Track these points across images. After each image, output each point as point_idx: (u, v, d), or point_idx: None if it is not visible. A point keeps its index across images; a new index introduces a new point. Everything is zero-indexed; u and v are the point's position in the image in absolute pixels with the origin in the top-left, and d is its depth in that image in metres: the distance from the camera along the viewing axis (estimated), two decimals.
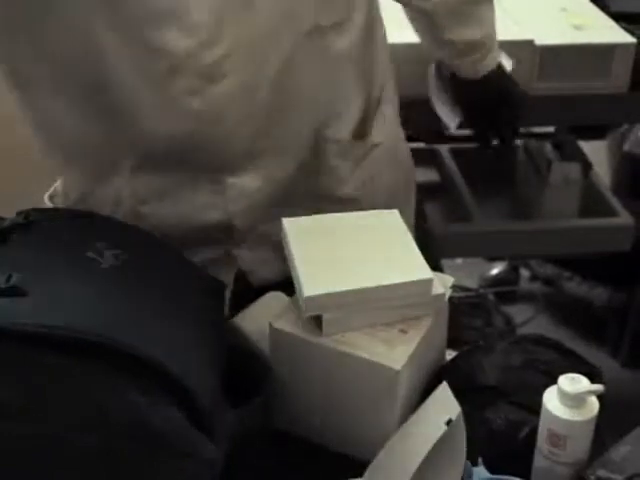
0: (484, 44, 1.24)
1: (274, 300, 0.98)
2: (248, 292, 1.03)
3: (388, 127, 1.13)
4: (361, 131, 1.09)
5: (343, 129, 1.06)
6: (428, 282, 0.89)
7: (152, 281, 0.83)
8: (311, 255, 0.90)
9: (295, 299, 0.90)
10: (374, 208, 1.00)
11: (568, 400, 0.80)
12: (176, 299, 0.84)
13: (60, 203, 1.07)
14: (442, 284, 0.92)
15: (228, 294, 1.01)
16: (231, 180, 0.99)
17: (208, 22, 0.87)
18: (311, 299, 0.85)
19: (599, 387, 0.81)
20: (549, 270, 2.42)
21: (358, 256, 0.90)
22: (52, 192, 1.08)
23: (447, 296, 0.93)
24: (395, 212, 0.99)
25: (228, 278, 1.05)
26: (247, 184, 1.00)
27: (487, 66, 1.28)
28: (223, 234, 1.03)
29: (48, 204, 1.08)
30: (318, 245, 0.92)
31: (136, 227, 0.94)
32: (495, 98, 1.35)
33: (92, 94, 0.91)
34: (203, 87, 0.90)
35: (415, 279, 0.88)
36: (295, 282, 0.89)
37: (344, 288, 0.86)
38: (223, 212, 1.00)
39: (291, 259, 0.91)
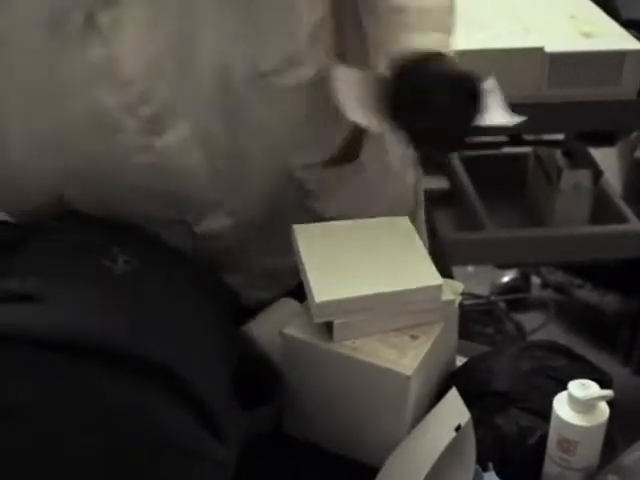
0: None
1: (286, 306, 0.98)
2: None
3: (377, 146, 1.07)
4: (345, 154, 1.04)
5: (315, 155, 1.01)
6: (438, 288, 0.89)
7: (164, 286, 0.84)
8: (321, 261, 0.91)
9: (306, 305, 0.90)
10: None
11: (578, 406, 0.80)
12: (187, 304, 0.84)
13: None
14: (452, 291, 0.92)
15: None
16: (197, 228, 0.97)
17: (145, 75, 0.83)
18: (322, 305, 0.85)
19: (609, 393, 0.81)
20: (560, 277, 2.41)
21: (368, 262, 0.91)
22: None
23: (457, 302, 0.93)
24: (405, 218, 0.99)
25: None
26: (215, 228, 0.97)
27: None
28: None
29: None
30: (328, 251, 0.93)
31: (148, 233, 0.94)
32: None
33: None
34: (149, 141, 0.87)
35: (425, 285, 0.89)
36: (306, 288, 0.90)
37: (354, 294, 0.87)
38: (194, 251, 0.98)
39: (301, 265, 0.91)
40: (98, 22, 0.79)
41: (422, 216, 1.22)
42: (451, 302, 0.91)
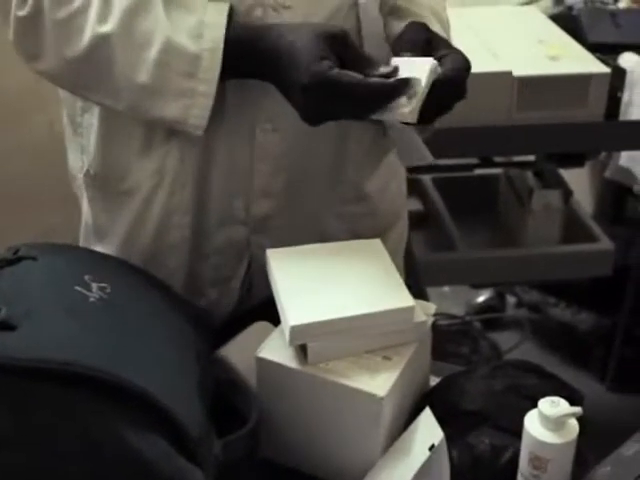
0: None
1: (261, 330, 0.99)
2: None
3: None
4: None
5: (365, 135, 1.06)
6: (410, 310, 0.90)
7: (138, 312, 0.85)
8: (295, 284, 0.92)
9: (280, 329, 0.91)
10: (387, 216, 1.08)
11: (548, 423, 0.82)
12: (162, 328, 0.85)
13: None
14: (425, 312, 0.94)
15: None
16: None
17: None
18: (296, 328, 0.87)
19: (578, 409, 0.83)
20: (535, 296, 2.44)
21: (341, 285, 0.92)
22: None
23: (430, 323, 0.94)
24: (377, 241, 1.01)
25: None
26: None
27: None
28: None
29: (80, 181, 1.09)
30: (302, 274, 0.94)
31: (120, 259, 0.95)
32: None
33: None
34: None
35: (397, 307, 0.90)
36: (280, 312, 0.91)
37: (328, 317, 0.88)
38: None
39: (275, 289, 0.93)
40: None
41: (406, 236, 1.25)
42: (424, 323, 0.93)
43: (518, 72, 1.64)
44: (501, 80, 1.62)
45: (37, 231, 1.48)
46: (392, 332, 0.90)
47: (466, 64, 0.91)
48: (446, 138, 1.46)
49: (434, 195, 1.98)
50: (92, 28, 0.89)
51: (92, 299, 0.81)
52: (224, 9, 0.89)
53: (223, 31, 0.88)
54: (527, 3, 2.38)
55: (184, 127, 0.91)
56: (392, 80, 0.85)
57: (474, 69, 1.85)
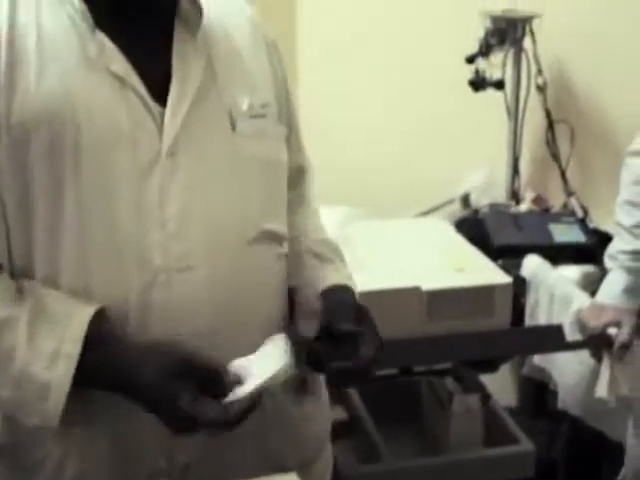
0: None
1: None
2: None
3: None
4: None
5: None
6: None
7: None
8: None
9: None
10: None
11: None
12: None
13: None
14: None
15: None
16: None
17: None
18: None
19: None
20: None
21: None
22: None
23: None
24: (293, 474, 1.04)
25: None
26: None
27: None
28: None
29: None
30: None
31: None
32: None
33: None
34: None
35: None
36: None
37: None
38: None
39: None
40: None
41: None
42: None
43: (426, 286, 1.75)
44: (410, 295, 1.72)
45: None
46: None
47: (377, 350, 1.04)
48: None
49: (358, 404, 2.02)
50: None
51: None
52: (79, 337, 0.96)
53: (74, 364, 0.96)
54: (428, 212, 2.54)
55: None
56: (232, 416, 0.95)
57: (384, 285, 1.96)
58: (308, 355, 1.04)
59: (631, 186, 1.76)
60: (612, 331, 1.72)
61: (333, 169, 2.63)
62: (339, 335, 1.03)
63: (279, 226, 1.13)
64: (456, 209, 2.60)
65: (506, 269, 1.94)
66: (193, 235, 1.01)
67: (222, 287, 1.03)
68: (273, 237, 1.11)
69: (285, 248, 1.15)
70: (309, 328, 1.08)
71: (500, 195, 2.58)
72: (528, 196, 2.53)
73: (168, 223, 1.00)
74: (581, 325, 1.76)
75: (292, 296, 1.16)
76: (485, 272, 1.86)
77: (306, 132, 1.28)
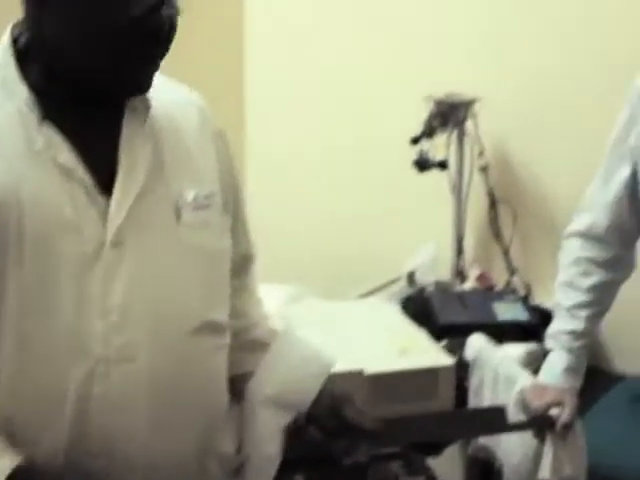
0: None
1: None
2: None
3: None
4: None
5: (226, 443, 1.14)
6: None
7: None
8: None
9: None
10: None
11: None
12: None
13: None
14: None
15: None
16: None
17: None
18: None
19: None
20: None
21: None
22: None
23: None
24: None
25: None
26: None
27: None
28: None
29: None
30: None
31: None
32: None
33: None
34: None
35: None
36: None
37: None
38: None
39: None
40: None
41: None
42: None
43: (368, 370, 1.74)
44: (352, 378, 1.72)
45: None
46: None
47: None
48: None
49: None
50: None
51: None
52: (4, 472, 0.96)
53: None
54: (375, 290, 2.55)
55: None
56: None
57: None
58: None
59: (568, 268, 1.79)
60: (554, 411, 1.73)
61: (277, 246, 2.65)
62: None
63: (221, 316, 1.13)
64: (402, 286, 2.61)
65: (451, 348, 1.95)
66: (135, 326, 1.01)
67: (162, 378, 1.03)
68: (215, 327, 1.11)
69: (227, 339, 1.15)
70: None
71: (445, 273, 2.60)
72: (472, 274, 2.56)
73: (110, 313, 1.00)
74: (524, 405, 1.77)
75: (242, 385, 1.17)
76: (428, 354, 1.87)
77: (252, 208, 1.29)
